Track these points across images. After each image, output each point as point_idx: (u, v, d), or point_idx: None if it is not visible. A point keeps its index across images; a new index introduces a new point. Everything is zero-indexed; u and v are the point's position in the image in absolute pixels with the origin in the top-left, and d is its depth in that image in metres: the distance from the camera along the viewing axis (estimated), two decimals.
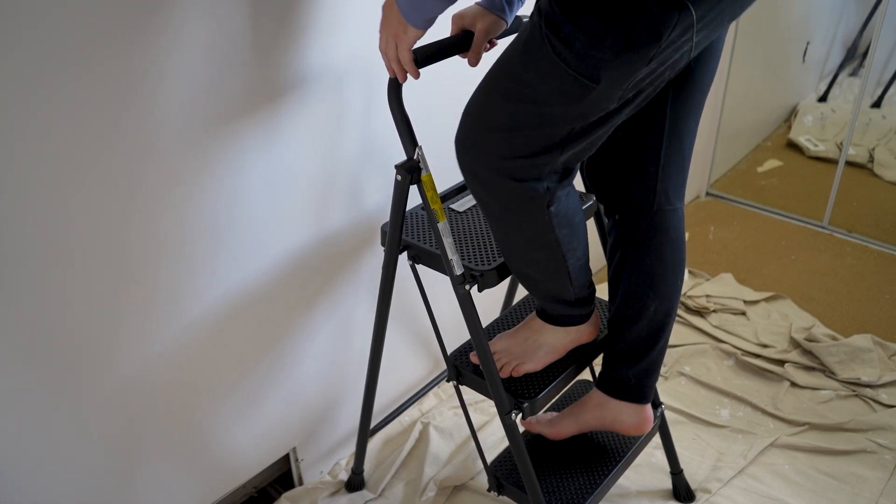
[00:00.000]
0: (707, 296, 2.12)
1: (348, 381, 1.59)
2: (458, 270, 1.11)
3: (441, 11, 0.98)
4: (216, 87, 1.09)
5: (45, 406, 1.07)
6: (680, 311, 2.09)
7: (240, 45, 1.09)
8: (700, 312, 2.09)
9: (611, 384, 1.25)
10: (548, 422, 1.35)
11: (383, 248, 1.22)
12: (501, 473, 1.32)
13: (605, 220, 1.26)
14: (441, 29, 1.09)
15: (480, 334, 1.13)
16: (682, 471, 1.53)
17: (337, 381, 1.56)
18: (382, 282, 1.26)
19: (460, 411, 1.74)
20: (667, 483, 1.57)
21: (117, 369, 1.14)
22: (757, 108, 2.88)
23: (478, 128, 1.01)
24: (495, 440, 1.68)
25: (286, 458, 1.56)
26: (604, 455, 1.37)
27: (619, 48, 0.86)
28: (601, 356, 1.27)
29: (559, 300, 1.18)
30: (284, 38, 1.15)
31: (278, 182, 1.25)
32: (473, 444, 1.63)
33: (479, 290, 1.16)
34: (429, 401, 1.79)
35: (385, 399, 1.69)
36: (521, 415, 1.18)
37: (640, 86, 0.94)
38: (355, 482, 1.56)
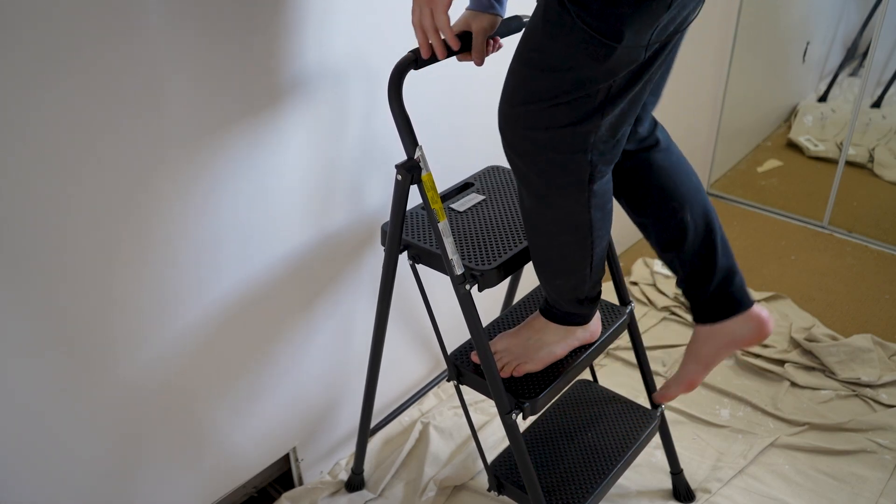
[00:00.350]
0: None
1: (348, 381, 1.59)
2: (459, 270, 1.11)
3: None
4: (217, 88, 1.09)
5: (45, 405, 1.07)
6: (680, 311, 2.09)
7: (241, 48, 1.09)
8: None
9: (705, 311, 1.21)
10: (676, 382, 1.30)
11: (384, 248, 1.22)
12: (502, 473, 1.32)
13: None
14: None
15: (481, 334, 1.13)
16: (682, 471, 1.53)
17: (337, 381, 1.56)
18: (382, 281, 1.25)
19: (460, 411, 1.74)
20: (667, 483, 1.57)
21: (117, 370, 1.14)
22: (757, 108, 2.88)
23: (515, 103, 1.00)
24: (495, 440, 1.68)
25: (286, 458, 1.56)
26: (604, 455, 1.37)
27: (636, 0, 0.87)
28: (686, 298, 1.23)
29: (572, 296, 1.18)
30: (283, 39, 1.15)
31: (278, 182, 1.25)
32: (473, 444, 1.64)
33: (480, 289, 1.16)
34: (429, 401, 1.79)
35: (385, 399, 1.69)
36: (521, 414, 1.18)
37: (666, 33, 0.94)
38: (355, 482, 1.56)
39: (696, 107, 2.43)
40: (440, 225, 1.07)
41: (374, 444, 1.67)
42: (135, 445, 1.22)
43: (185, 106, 1.06)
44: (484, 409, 1.77)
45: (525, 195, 1.09)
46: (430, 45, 1.04)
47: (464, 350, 1.28)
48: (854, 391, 1.80)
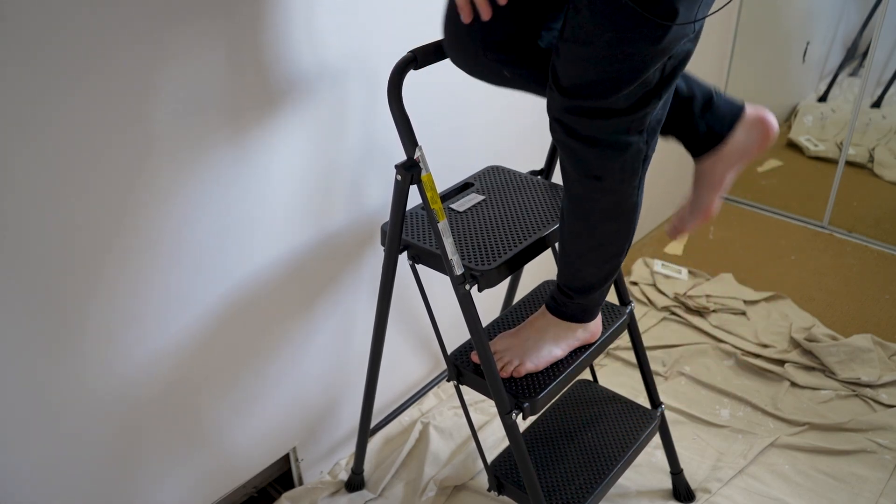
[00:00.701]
0: (707, 296, 2.12)
1: (348, 381, 1.59)
2: (459, 270, 1.11)
3: None
4: (218, 88, 1.09)
5: (46, 405, 1.07)
6: (680, 311, 2.09)
7: (242, 48, 1.09)
8: (700, 312, 2.09)
9: (703, 141, 1.18)
10: (691, 214, 1.25)
11: (383, 248, 1.22)
12: (502, 473, 1.32)
13: None
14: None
15: (481, 334, 1.13)
16: (682, 471, 1.53)
17: (337, 381, 1.56)
18: (382, 282, 1.25)
19: (460, 411, 1.74)
20: (667, 483, 1.57)
21: (117, 370, 1.14)
22: None
23: (574, 93, 0.98)
24: (495, 440, 1.68)
25: (286, 458, 1.56)
26: (604, 455, 1.37)
27: None
28: (678, 139, 1.18)
29: (595, 286, 1.18)
30: (284, 39, 1.15)
31: (278, 182, 1.25)
32: (473, 444, 1.64)
33: (479, 289, 1.16)
34: (429, 401, 1.79)
35: (385, 399, 1.69)
36: (521, 414, 1.18)
37: (708, 7, 0.96)
38: (355, 482, 1.56)
39: None
40: (440, 225, 1.07)
41: (374, 444, 1.67)
42: (135, 445, 1.22)
43: (187, 106, 1.06)
44: (484, 409, 1.77)
45: (576, 182, 1.07)
46: (472, 6, 0.97)
47: (464, 350, 1.28)
48: (854, 391, 1.80)
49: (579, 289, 1.20)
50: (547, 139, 1.32)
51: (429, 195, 1.07)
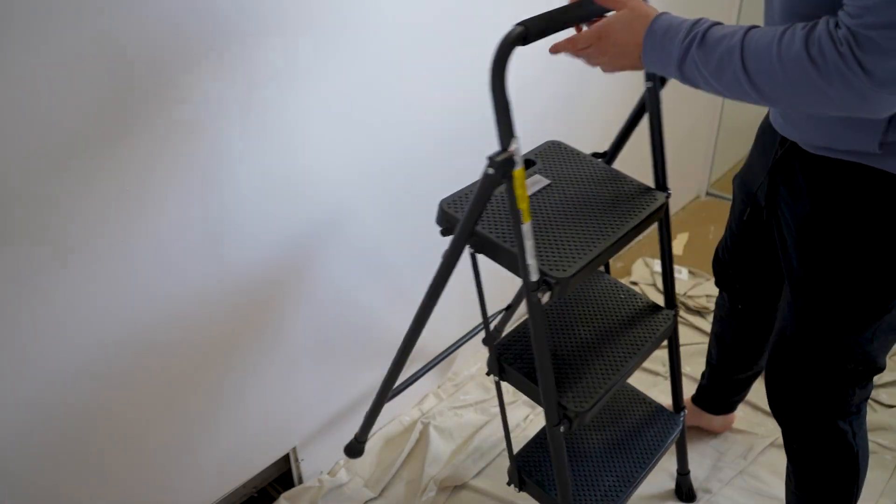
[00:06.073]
0: (707, 296, 2.12)
1: (348, 382, 1.59)
2: (534, 276, 1.00)
3: None
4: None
5: (45, 404, 1.07)
6: (680, 311, 2.09)
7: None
8: (700, 312, 2.09)
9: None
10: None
11: (440, 230, 1.13)
12: (525, 469, 1.27)
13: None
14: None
15: (543, 345, 1.04)
16: (689, 472, 1.52)
17: (337, 381, 1.56)
18: (442, 271, 1.12)
19: (460, 411, 1.74)
20: (668, 483, 1.57)
21: (117, 369, 1.14)
22: (757, 107, 2.87)
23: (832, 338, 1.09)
24: (495, 440, 1.68)
25: (286, 458, 1.56)
26: (630, 459, 1.33)
27: None
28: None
29: None
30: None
31: (275, 175, 1.25)
32: (473, 444, 1.64)
33: (551, 298, 1.04)
34: (429, 401, 1.79)
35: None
36: (570, 426, 1.12)
37: None
38: (356, 449, 1.50)
39: (696, 107, 2.42)
40: (524, 227, 0.97)
41: (374, 444, 1.67)
42: (135, 444, 1.22)
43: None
44: (485, 409, 1.77)
45: None
46: None
47: (510, 343, 1.20)
48: None
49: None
50: (612, 121, 1.24)
51: (518, 193, 0.96)
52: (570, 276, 1.03)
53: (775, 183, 1.13)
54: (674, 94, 1.43)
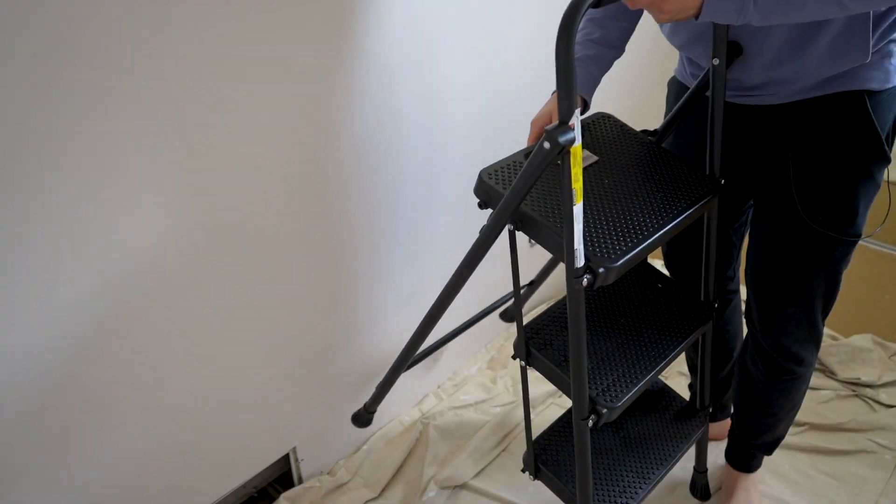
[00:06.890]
0: None
1: (348, 382, 1.59)
2: (580, 262, 0.92)
3: None
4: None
5: (45, 404, 1.07)
6: None
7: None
8: None
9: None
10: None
11: (477, 198, 1.07)
12: (542, 458, 1.22)
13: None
14: None
15: (581, 335, 0.97)
16: (707, 469, 1.50)
17: (337, 381, 1.56)
18: (480, 243, 1.05)
19: (461, 411, 1.74)
20: (678, 475, 1.56)
21: (117, 368, 1.14)
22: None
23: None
24: (496, 440, 1.67)
25: (286, 458, 1.56)
26: (652, 455, 1.27)
27: None
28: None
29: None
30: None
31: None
32: (473, 444, 1.64)
33: (594, 286, 0.97)
34: (429, 401, 1.79)
35: (388, 398, 1.69)
36: (598, 420, 1.07)
37: None
38: (364, 419, 1.47)
39: None
40: (575, 208, 0.88)
41: (374, 444, 1.67)
42: (134, 445, 1.22)
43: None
44: (485, 409, 1.77)
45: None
46: None
47: (538, 327, 1.13)
48: (854, 391, 1.80)
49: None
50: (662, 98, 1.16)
51: (573, 171, 0.87)
52: (618, 264, 0.95)
53: (744, 148, 1.15)
54: None
